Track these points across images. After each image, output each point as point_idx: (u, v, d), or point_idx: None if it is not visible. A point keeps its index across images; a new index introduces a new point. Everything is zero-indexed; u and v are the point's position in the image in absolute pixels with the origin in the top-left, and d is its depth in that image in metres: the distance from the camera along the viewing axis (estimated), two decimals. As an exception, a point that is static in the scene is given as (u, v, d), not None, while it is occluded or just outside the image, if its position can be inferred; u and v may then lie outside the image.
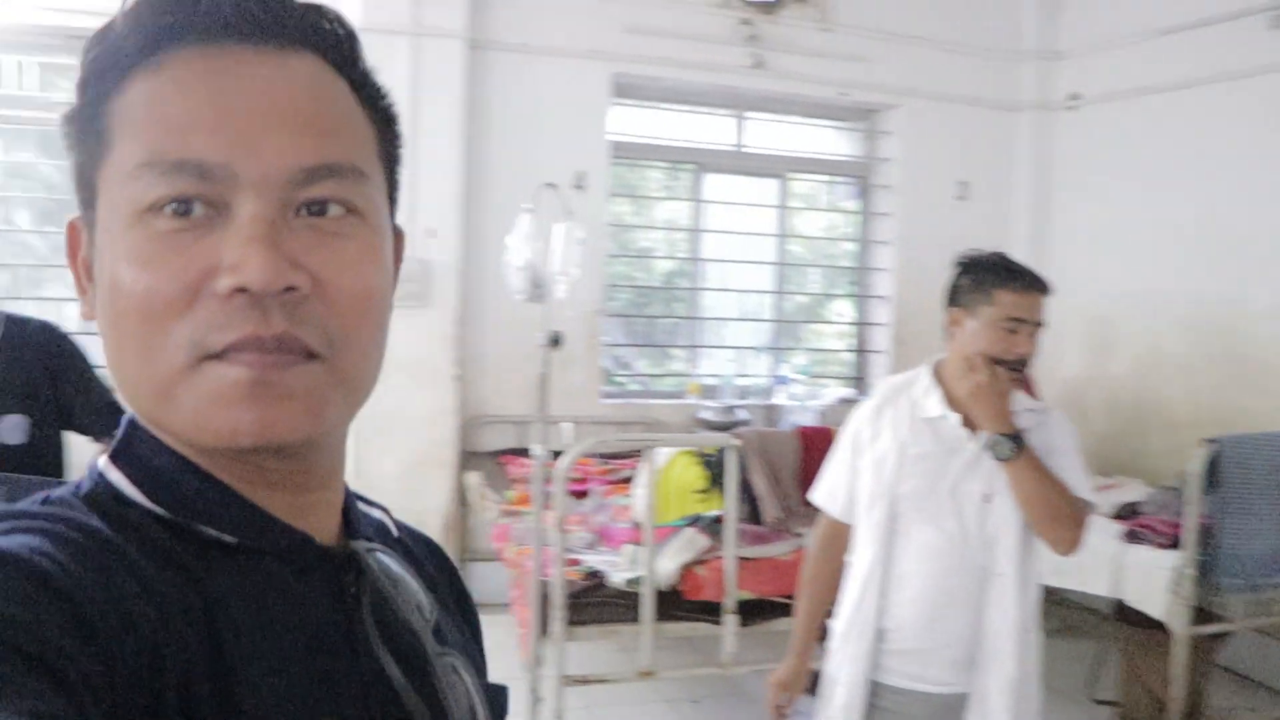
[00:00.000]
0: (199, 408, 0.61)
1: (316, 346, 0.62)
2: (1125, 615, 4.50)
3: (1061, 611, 5.62)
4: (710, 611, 3.34)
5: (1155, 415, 5.42)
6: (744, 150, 6.00)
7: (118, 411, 2.45)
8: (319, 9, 0.67)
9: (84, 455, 2.54)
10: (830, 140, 6.27)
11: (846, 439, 2.40)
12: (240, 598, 0.62)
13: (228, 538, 0.64)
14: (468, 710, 0.73)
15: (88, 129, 0.64)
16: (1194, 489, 3.64)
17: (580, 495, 4.48)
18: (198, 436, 0.63)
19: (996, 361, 2.24)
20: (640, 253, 6.14)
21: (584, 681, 3.28)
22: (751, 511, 4.09)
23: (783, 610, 3.28)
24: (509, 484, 4.87)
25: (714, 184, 6.01)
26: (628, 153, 5.78)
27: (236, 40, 0.63)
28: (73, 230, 0.68)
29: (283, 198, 0.62)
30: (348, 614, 0.68)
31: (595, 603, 3.33)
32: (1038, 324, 2.27)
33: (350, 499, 0.76)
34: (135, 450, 0.66)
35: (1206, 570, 3.69)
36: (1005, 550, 2.24)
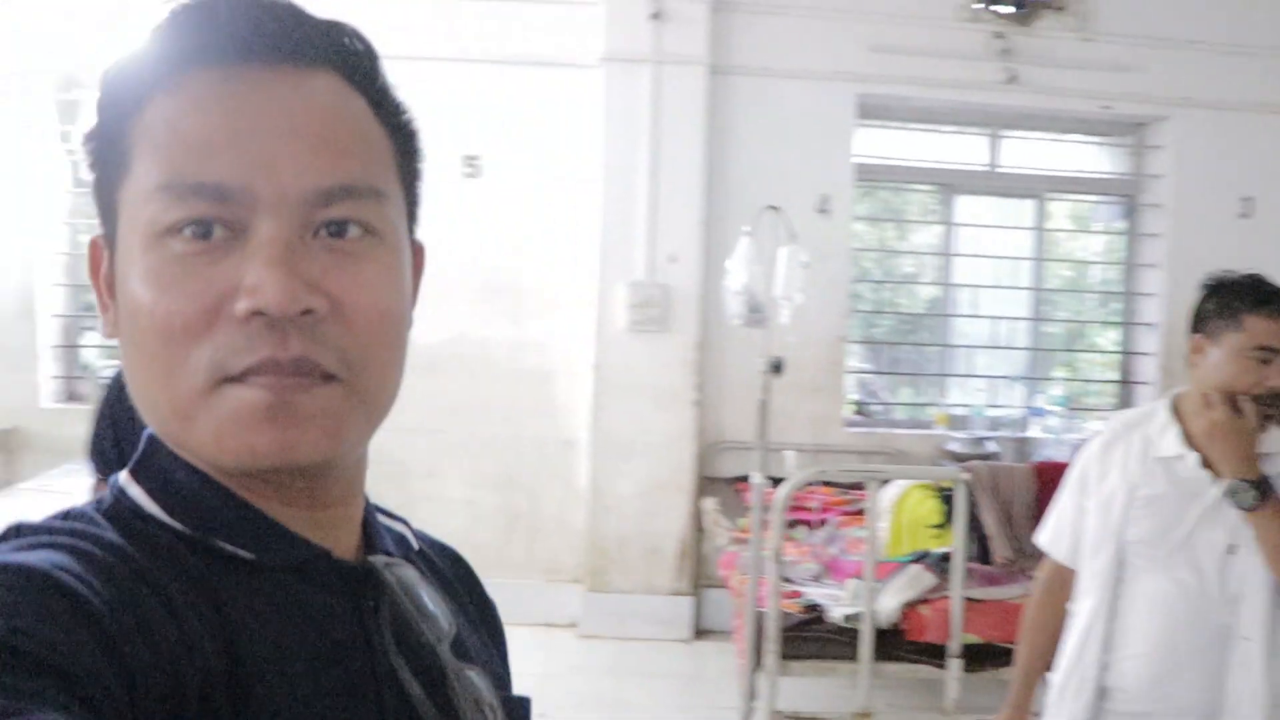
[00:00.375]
0: (218, 429, 0.62)
1: (334, 368, 0.63)
2: None
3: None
4: (933, 654, 3.19)
5: None
6: (998, 170, 5.74)
7: None
8: (339, 26, 0.67)
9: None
10: (1092, 157, 5.89)
11: (1074, 477, 2.22)
12: (258, 613, 0.63)
13: (246, 553, 0.65)
14: None
15: (109, 149, 0.65)
16: None
17: (817, 525, 4.40)
18: (217, 457, 0.63)
19: (1250, 398, 2.01)
20: (886, 277, 5.98)
21: (796, 718, 3.20)
22: (981, 550, 3.89)
23: (1010, 657, 3.09)
24: (743, 510, 4.84)
25: (966, 206, 5.78)
26: (874, 175, 5.65)
27: (256, 61, 0.63)
28: (94, 248, 0.69)
29: (301, 219, 0.62)
30: (366, 628, 0.68)
31: (813, 637, 3.25)
32: None
33: (370, 512, 0.76)
34: (155, 466, 0.67)
35: None
36: (1251, 611, 1.99)
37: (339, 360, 0.63)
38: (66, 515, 0.65)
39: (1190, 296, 5.91)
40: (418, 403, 5.27)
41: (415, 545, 0.81)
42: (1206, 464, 2.04)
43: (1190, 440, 2.07)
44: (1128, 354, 5.88)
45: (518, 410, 5.35)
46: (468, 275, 5.25)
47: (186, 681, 0.56)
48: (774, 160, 5.31)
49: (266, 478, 0.66)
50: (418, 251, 0.75)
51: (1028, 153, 5.77)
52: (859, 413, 5.82)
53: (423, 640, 0.71)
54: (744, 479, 5.23)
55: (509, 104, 5.22)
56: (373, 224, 0.65)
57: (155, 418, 0.66)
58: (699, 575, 5.32)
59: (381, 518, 0.79)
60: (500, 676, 0.81)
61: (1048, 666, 2.24)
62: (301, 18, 0.65)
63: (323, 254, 0.63)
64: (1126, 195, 5.84)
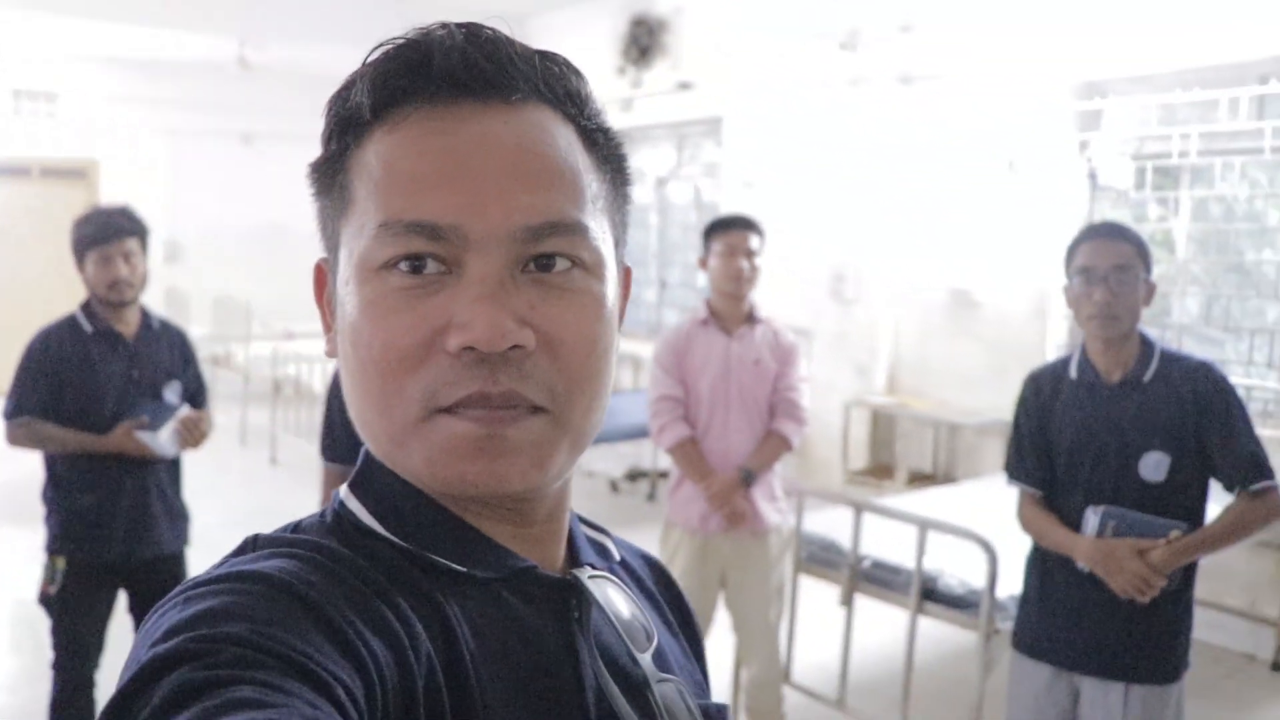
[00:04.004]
0: (431, 457, 0.65)
1: (542, 401, 0.65)
2: None
3: None
4: None
5: None
6: None
7: (1261, 469, 2.42)
8: (549, 56, 0.69)
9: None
10: None
11: None
12: (471, 622, 0.65)
13: (458, 566, 0.67)
14: None
15: (332, 181, 0.69)
16: None
17: None
18: (430, 483, 0.67)
19: None
20: None
21: None
22: None
23: None
24: None
25: None
26: None
27: (466, 95, 0.65)
28: (320, 272, 0.73)
29: (510, 255, 0.64)
30: (571, 640, 0.70)
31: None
32: None
33: (574, 525, 0.78)
34: (373, 483, 0.71)
35: None
36: None
37: (546, 393, 0.65)
38: (296, 528, 0.70)
39: None
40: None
41: (617, 556, 0.83)
42: None
43: None
44: None
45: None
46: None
47: (415, 684, 0.59)
48: None
49: (477, 499, 0.69)
50: (626, 274, 0.76)
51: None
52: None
53: (626, 650, 0.73)
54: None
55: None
56: (580, 256, 0.67)
57: (372, 440, 0.69)
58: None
59: (585, 529, 0.81)
60: (699, 684, 0.83)
61: None
62: (511, 52, 0.67)
63: (530, 289, 0.65)
64: None
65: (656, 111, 7.94)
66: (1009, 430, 2.75)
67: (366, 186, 0.66)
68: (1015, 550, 2.82)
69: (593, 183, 0.69)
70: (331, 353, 0.73)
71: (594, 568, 0.75)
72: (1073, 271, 2.51)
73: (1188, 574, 2.48)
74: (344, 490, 0.72)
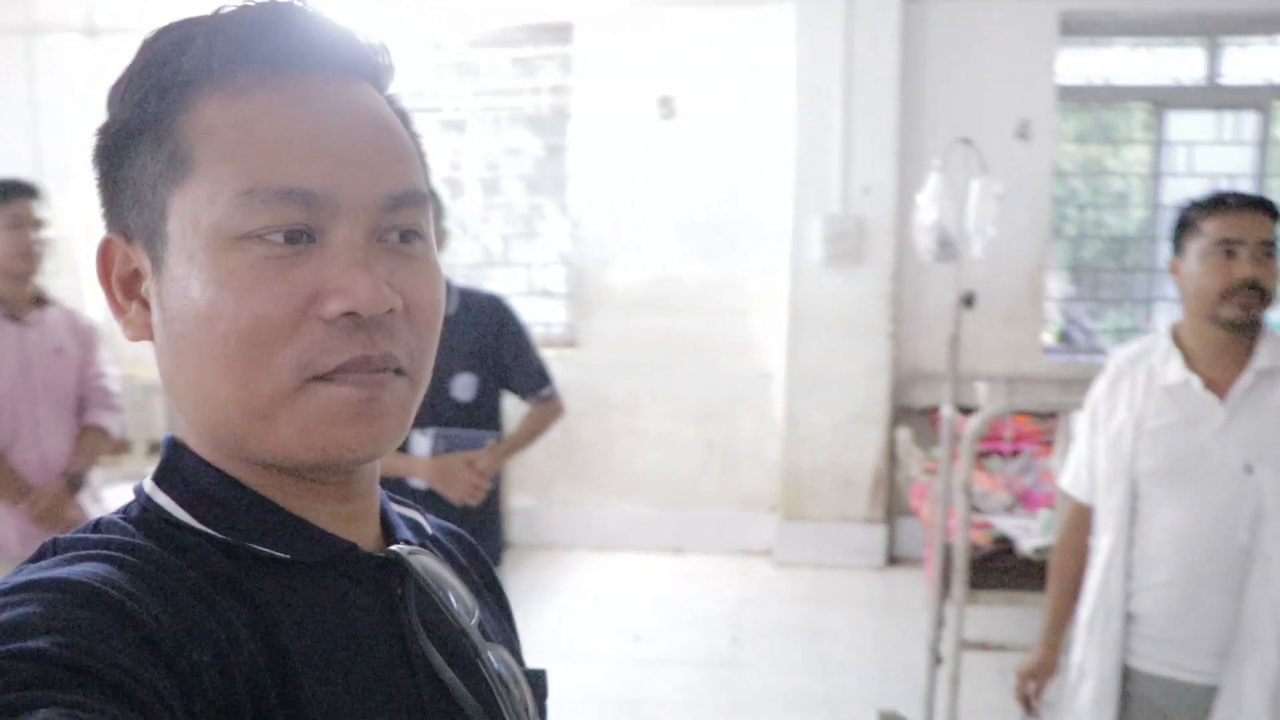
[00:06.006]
0: (305, 426, 0.64)
1: (405, 364, 0.67)
2: None
3: None
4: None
5: None
6: (1218, 82, 5.41)
7: (546, 379, 2.86)
8: (369, 38, 0.70)
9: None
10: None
11: (1086, 416, 2.22)
12: (295, 610, 0.64)
13: (280, 553, 0.66)
14: (518, 699, 0.76)
15: (155, 146, 0.65)
16: None
17: (1012, 455, 4.37)
18: (302, 455, 0.65)
19: (1226, 296, 1.99)
20: (1091, 201, 5.76)
21: (983, 647, 3.24)
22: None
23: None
24: (937, 441, 4.83)
25: (1179, 123, 5.48)
26: (1078, 96, 5.44)
27: (307, 69, 0.65)
28: (109, 248, 0.69)
29: (372, 223, 0.65)
30: (396, 617, 0.70)
31: (1002, 569, 3.27)
32: (1263, 243, 1.98)
33: (385, 502, 0.78)
34: (179, 473, 0.69)
35: None
36: (1274, 530, 1.96)
37: (407, 355, 0.67)
38: (97, 526, 0.66)
39: None
40: (618, 340, 5.49)
41: (429, 530, 0.83)
42: (1210, 385, 2.03)
43: (1192, 364, 2.05)
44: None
45: (714, 345, 5.48)
46: (664, 216, 5.40)
47: (237, 683, 0.58)
48: (971, 86, 5.19)
49: (310, 475, 0.68)
50: None
51: (1252, 61, 5.41)
52: (1061, 340, 5.67)
53: (452, 624, 0.73)
54: (938, 409, 5.22)
55: (701, 44, 5.28)
56: (422, 227, 0.69)
57: (219, 418, 0.66)
58: (892, 504, 5.37)
59: (395, 506, 0.81)
60: (517, 653, 0.83)
61: (1076, 601, 2.25)
62: (344, 29, 0.67)
63: (387, 256, 0.66)
64: (1363, 104, 5.41)
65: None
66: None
67: (216, 151, 0.63)
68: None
69: (418, 158, 0.71)
70: (139, 335, 0.68)
71: (409, 543, 0.75)
72: None
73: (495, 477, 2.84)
74: (148, 483, 0.69)
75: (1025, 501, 3.83)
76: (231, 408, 0.64)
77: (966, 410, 4.79)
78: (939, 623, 3.20)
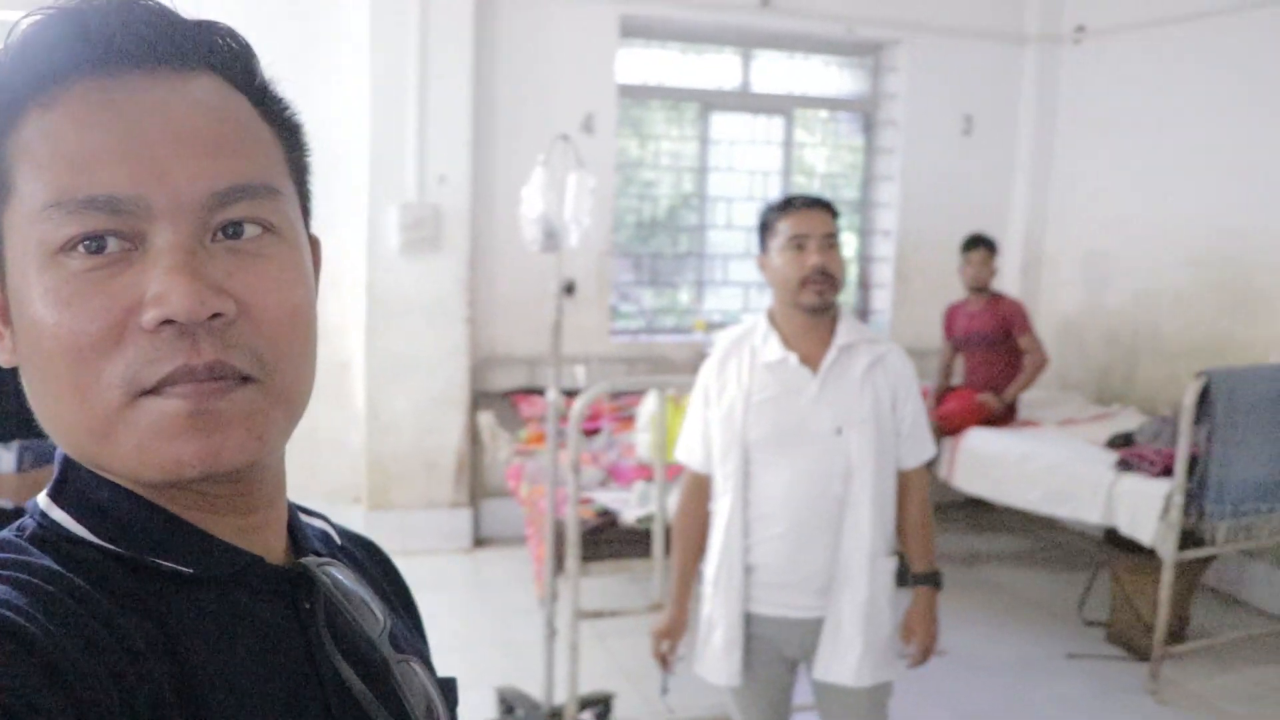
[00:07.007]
0: (140, 444, 0.61)
1: (249, 369, 0.62)
2: (1116, 541, 4.67)
3: (1055, 537, 5.80)
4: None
5: (1152, 346, 5.53)
6: (751, 89, 6.05)
7: None
8: (211, 25, 0.66)
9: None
10: (836, 77, 6.30)
11: (697, 393, 2.48)
12: (200, 626, 0.62)
13: (182, 568, 0.64)
14: (426, 711, 0.74)
15: None
16: (1187, 420, 3.77)
17: (592, 433, 4.62)
18: (142, 472, 0.62)
19: (804, 283, 2.33)
20: (646, 190, 6.21)
21: (597, 615, 3.44)
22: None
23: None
24: (521, 423, 5.02)
25: (721, 122, 6.07)
26: (635, 94, 5.84)
27: (131, 66, 0.62)
28: None
29: (198, 223, 0.61)
30: (305, 631, 0.68)
31: (608, 540, 3.48)
32: (826, 235, 2.35)
33: (293, 513, 0.76)
34: (75, 488, 0.65)
35: (1194, 498, 3.84)
36: (861, 481, 2.34)
37: (253, 361, 0.62)
38: None
39: (919, 207, 6.59)
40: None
41: (338, 541, 0.82)
42: (804, 360, 2.37)
43: (788, 344, 2.39)
44: (865, 259, 6.41)
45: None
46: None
47: (138, 704, 0.56)
48: (541, 80, 5.40)
49: (194, 488, 0.65)
50: (315, 245, 0.75)
51: (779, 72, 6.11)
52: (620, 319, 6.08)
53: (361, 636, 0.72)
54: (518, 392, 5.42)
55: (263, 30, 5.03)
56: (270, 221, 0.65)
57: (69, 440, 0.64)
58: (476, 487, 5.49)
59: (304, 516, 0.79)
60: (427, 661, 0.82)
61: (699, 562, 2.54)
62: (174, 19, 0.64)
63: (224, 256, 0.62)
64: (865, 113, 6.30)
65: None
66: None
67: (29, 169, 0.60)
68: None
69: (273, 149, 0.68)
70: (9, 360, 0.65)
71: (318, 555, 0.74)
72: None
73: None
74: (43, 499, 0.66)
75: (615, 476, 4.09)
76: (77, 428, 0.62)
77: (540, 392, 5.05)
78: (553, 596, 3.35)
